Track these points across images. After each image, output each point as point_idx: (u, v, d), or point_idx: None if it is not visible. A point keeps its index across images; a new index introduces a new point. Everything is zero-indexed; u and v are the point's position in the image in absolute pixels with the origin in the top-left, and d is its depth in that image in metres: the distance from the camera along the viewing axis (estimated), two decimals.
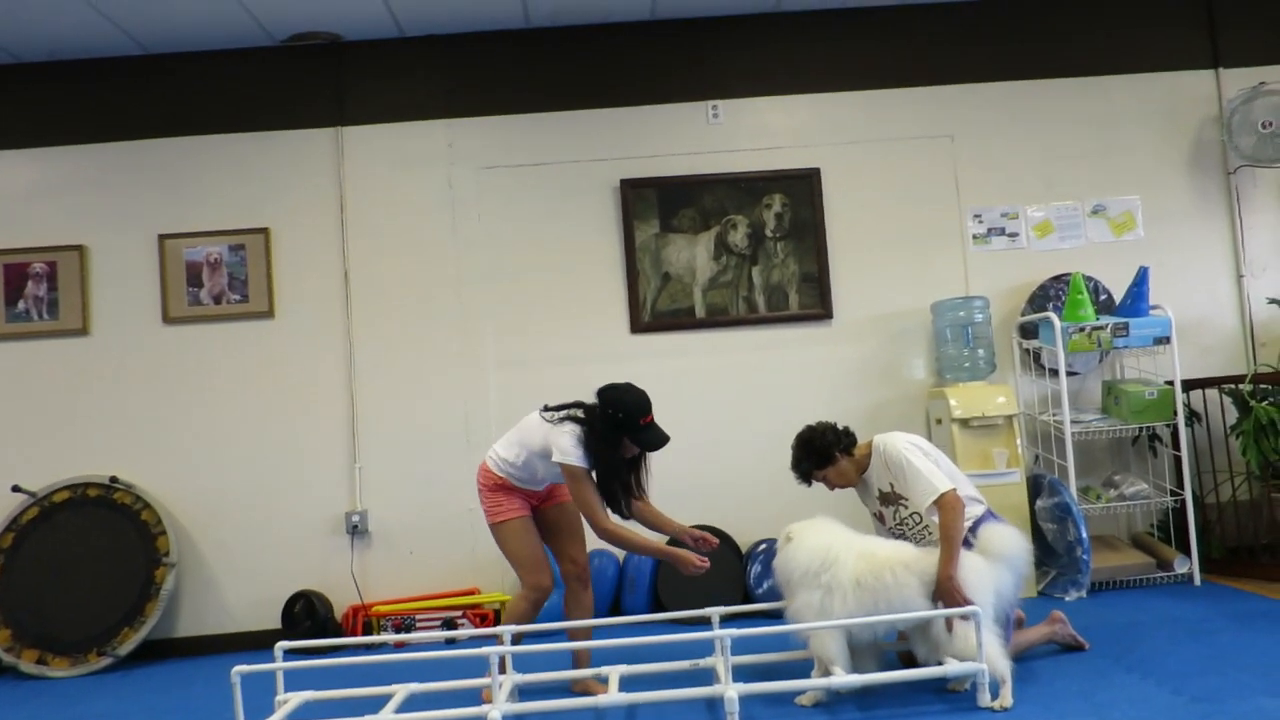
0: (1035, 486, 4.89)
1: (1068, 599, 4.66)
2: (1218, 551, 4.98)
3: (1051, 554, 4.85)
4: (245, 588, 5.04)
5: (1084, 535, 4.59)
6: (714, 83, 5.42)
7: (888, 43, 5.46)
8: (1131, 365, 5.26)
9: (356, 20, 5.15)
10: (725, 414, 5.25)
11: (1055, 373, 4.97)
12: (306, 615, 4.88)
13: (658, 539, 3.77)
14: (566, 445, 3.51)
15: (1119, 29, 5.49)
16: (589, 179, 5.35)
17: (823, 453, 3.65)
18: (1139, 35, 5.50)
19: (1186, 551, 4.83)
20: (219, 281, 5.25)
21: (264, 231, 5.25)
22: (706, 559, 3.62)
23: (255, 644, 4.92)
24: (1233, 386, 4.98)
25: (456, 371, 5.22)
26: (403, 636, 4.79)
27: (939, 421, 5.04)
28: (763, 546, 4.92)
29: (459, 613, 4.85)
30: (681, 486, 5.14)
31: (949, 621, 3.26)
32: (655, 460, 5.16)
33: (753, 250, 5.36)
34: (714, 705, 3.33)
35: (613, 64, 5.42)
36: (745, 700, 3.17)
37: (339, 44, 5.36)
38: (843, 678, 3.22)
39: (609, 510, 3.62)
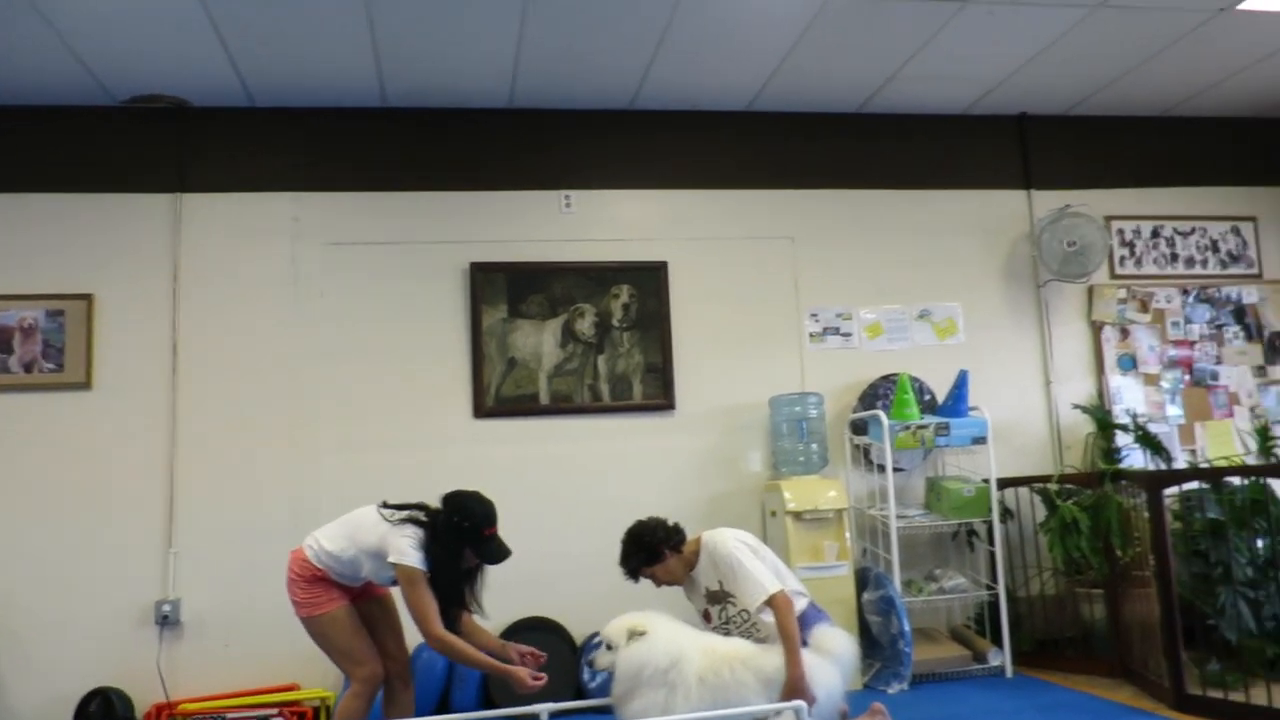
0: (862, 579, 5.06)
1: (890, 691, 4.79)
2: (1027, 644, 5.24)
3: (876, 646, 5.00)
4: (36, 684, 4.62)
5: (906, 628, 4.76)
6: (567, 173, 5.52)
7: (735, 145, 5.70)
8: (952, 463, 5.55)
9: (205, 86, 5.01)
10: (566, 502, 5.22)
11: (883, 468, 5.18)
12: (103, 715, 4.51)
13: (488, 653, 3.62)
14: (406, 547, 3.39)
15: (947, 147, 5.92)
16: (438, 261, 5.32)
17: (651, 549, 3.68)
18: (963, 154, 5.94)
19: (1000, 644, 5.06)
20: (31, 349, 4.92)
21: (87, 298, 4.96)
22: (543, 675, 3.49)
23: None
24: (1041, 486, 5.31)
25: (287, 455, 5.01)
26: None
27: (773, 513, 5.17)
28: (597, 639, 4.87)
29: (274, 710, 4.57)
30: (517, 575, 5.02)
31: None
32: None
33: (599, 339, 5.42)
34: None
35: (468, 148, 5.45)
36: None
37: (185, 109, 5.19)
38: None
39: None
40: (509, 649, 3.60)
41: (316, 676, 4.75)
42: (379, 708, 3.64)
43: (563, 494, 5.23)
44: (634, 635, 3.38)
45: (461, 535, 3.44)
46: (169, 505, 4.85)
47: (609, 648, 3.40)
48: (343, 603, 3.50)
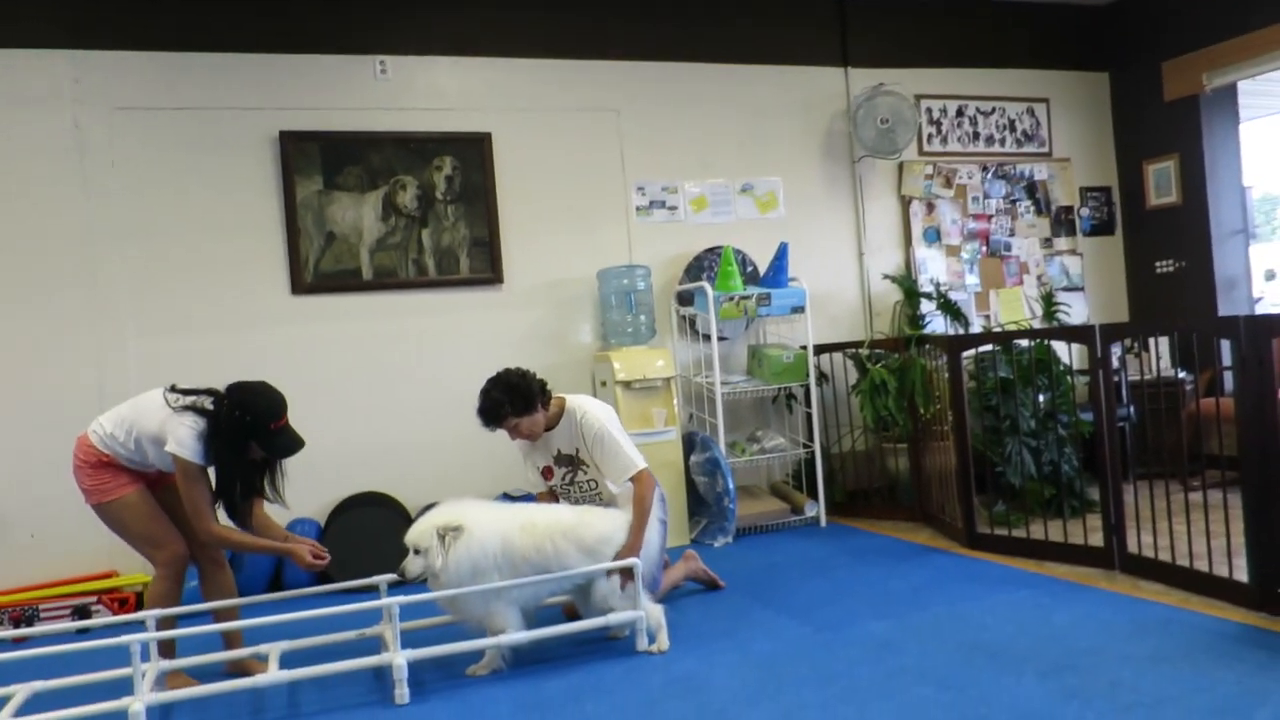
0: (689, 443, 5.27)
1: (716, 545, 5.07)
2: (840, 496, 5.64)
3: (703, 504, 5.25)
4: None
5: (731, 487, 5.02)
6: (382, 38, 5.23)
7: (558, 14, 5.55)
8: (773, 332, 5.79)
9: None
10: (394, 378, 5.14)
11: (708, 338, 5.35)
12: None
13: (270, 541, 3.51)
14: (184, 436, 3.22)
15: (766, 23, 5.96)
16: (243, 129, 4.97)
17: (528, 400, 3.63)
18: (782, 30, 6.00)
19: (815, 497, 5.42)
20: None
21: None
22: (326, 554, 3.43)
23: None
24: (854, 351, 5.64)
25: (88, 338, 4.67)
26: (22, 631, 4.26)
27: (604, 384, 5.27)
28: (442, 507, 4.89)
29: (94, 599, 4.39)
30: (348, 452, 5.00)
31: (623, 578, 3.43)
32: (321, 424, 4.97)
33: (423, 212, 5.27)
34: (383, 674, 3.28)
35: (272, 6, 5.06)
36: (414, 666, 3.16)
37: None
38: (514, 635, 3.30)
39: (219, 512, 3.39)
40: (290, 537, 3.51)
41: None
42: (195, 593, 3.55)
43: (390, 370, 5.14)
44: (448, 532, 3.25)
45: (244, 430, 3.26)
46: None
47: (417, 552, 3.25)
48: (135, 487, 3.33)
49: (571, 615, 3.69)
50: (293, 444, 3.37)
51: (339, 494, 4.95)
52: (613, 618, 3.42)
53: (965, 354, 4.76)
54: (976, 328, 6.19)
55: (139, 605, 4.43)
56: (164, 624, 3.39)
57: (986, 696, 2.78)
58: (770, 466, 5.77)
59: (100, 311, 4.70)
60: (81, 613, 4.37)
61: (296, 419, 4.72)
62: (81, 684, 3.27)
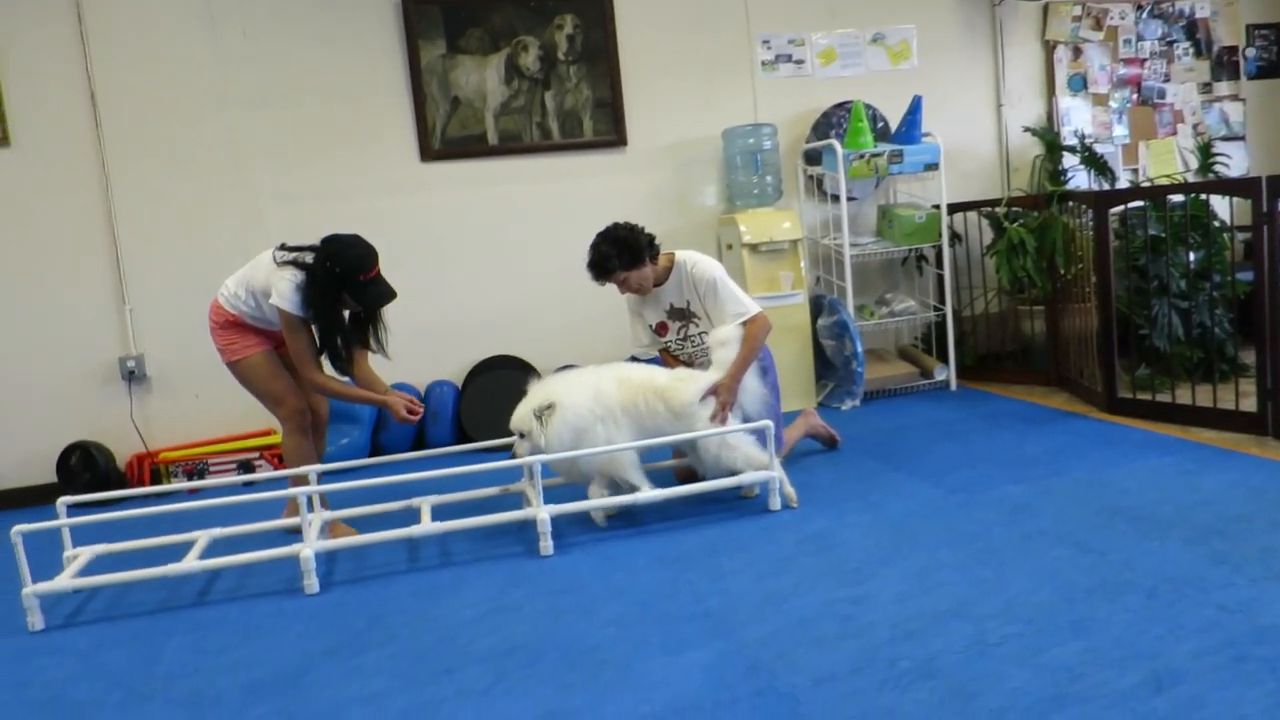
0: (816, 306, 5.21)
1: (843, 408, 5.07)
2: (970, 360, 5.52)
3: (830, 368, 5.23)
4: (10, 442, 4.66)
5: (859, 350, 4.97)
6: None
7: None
8: (904, 190, 5.59)
9: None
10: (519, 243, 5.20)
11: (836, 198, 5.21)
12: (85, 467, 4.60)
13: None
14: (284, 289, 3.36)
15: None
16: None
17: (636, 253, 3.65)
18: None
19: (945, 361, 5.33)
20: None
21: None
22: (420, 407, 3.58)
23: (31, 500, 4.62)
24: (990, 210, 5.41)
25: (230, 205, 4.85)
26: (196, 483, 4.63)
27: (729, 247, 5.22)
28: (572, 370, 5.01)
29: (256, 454, 4.71)
30: (480, 316, 5.14)
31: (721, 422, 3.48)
32: (454, 290, 5.11)
33: (545, 74, 5.20)
34: (524, 528, 3.45)
35: None
36: (555, 521, 3.31)
37: None
38: (649, 493, 3.41)
39: (326, 361, 3.54)
40: (389, 391, 3.63)
41: None
42: (338, 452, 3.76)
43: (515, 235, 5.19)
44: (543, 412, 3.35)
45: (336, 281, 3.36)
46: (115, 261, 4.73)
47: (522, 436, 3.38)
48: (261, 348, 3.53)
49: (683, 478, 3.76)
50: (383, 295, 3.47)
51: (474, 357, 5.11)
52: (745, 477, 3.48)
53: (1112, 211, 4.51)
54: (1123, 183, 5.84)
55: None
56: (322, 477, 3.63)
57: (1129, 560, 2.75)
58: (899, 330, 5.67)
59: (241, 179, 4.86)
60: (245, 467, 4.70)
61: (430, 285, 4.87)
62: (252, 532, 3.56)
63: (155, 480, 4.71)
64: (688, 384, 3.52)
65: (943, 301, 5.36)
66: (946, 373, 5.31)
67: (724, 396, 3.50)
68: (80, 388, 4.72)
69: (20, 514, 4.53)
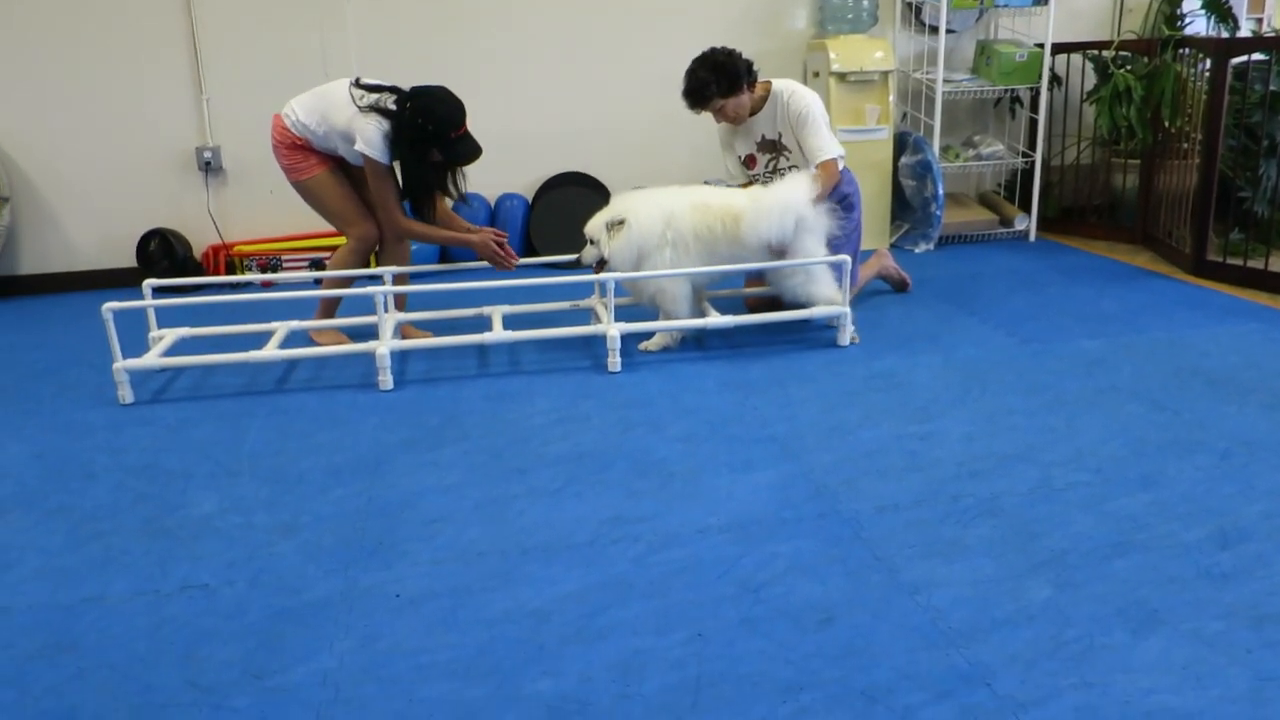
0: (900, 144, 5.03)
1: (917, 251, 4.98)
2: (1053, 210, 5.34)
3: (907, 209, 5.10)
4: (92, 226, 4.76)
5: (940, 192, 4.83)
6: None
7: None
8: (1006, 26, 5.28)
9: None
10: (599, 58, 5.03)
11: (934, 29, 4.94)
12: (163, 254, 4.70)
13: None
14: (372, 137, 3.31)
15: None
16: None
17: (734, 80, 3.52)
18: None
19: (1027, 210, 5.16)
20: None
21: None
22: (505, 238, 3.60)
23: (110, 283, 4.76)
24: (1096, 53, 5.10)
25: (311, 3, 4.72)
26: (270, 276, 4.72)
27: (816, 74, 5.01)
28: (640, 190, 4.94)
29: (326, 254, 4.76)
30: (553, 131, 5.04)
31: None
32: (528, 104, 5.01)
33: None
34: (592, 344, 3.49)
35: None
36: (623, 339, 3.34)
37: None
38: (717, 319, 3.41)
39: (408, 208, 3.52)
40: (475, 231, 3.65)
41: None
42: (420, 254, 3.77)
43: (596, 50, 5.01)
44: (614, 226, 3.31)
45: (426, 137, 3.31)
46: (193, 51, 4.67)
47: (592, 242, 3.36)
48: (326, 167, 3.50)
49: (753, 308, 3.75)
50: (471, 152, 3.43)
51: (545, 172, 5.05)
52: (814, 311, 3.46)
53: (1231, 62, 4.22)
54: (1244, 33, 5.45)
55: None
56: (399, 281, 3.68)
57: (1202, 421, 2.72)
58: (982, 175, 5.48)
59: None
60: (317, 266, 4.76)
61: (504, 94, 4.80)
62: (331, 327, 3.65)
63: (230, 272, 4.81)
64: (767, 201, 3.41)
65: (1032, 148, 5.15)
66: (1027, 222, 5.15)
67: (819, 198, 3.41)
68: (159, 176, 4.76)
69: (103, 295, 4.65)
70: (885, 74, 4.87)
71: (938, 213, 4.87)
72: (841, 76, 4.84)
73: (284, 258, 4.80)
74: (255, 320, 3.61)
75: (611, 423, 2.86)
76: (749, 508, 2.30)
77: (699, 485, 2.43)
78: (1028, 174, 5.18)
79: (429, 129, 3.30)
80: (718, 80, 3.50)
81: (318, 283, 3.87)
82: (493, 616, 1.90)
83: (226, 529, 2.29)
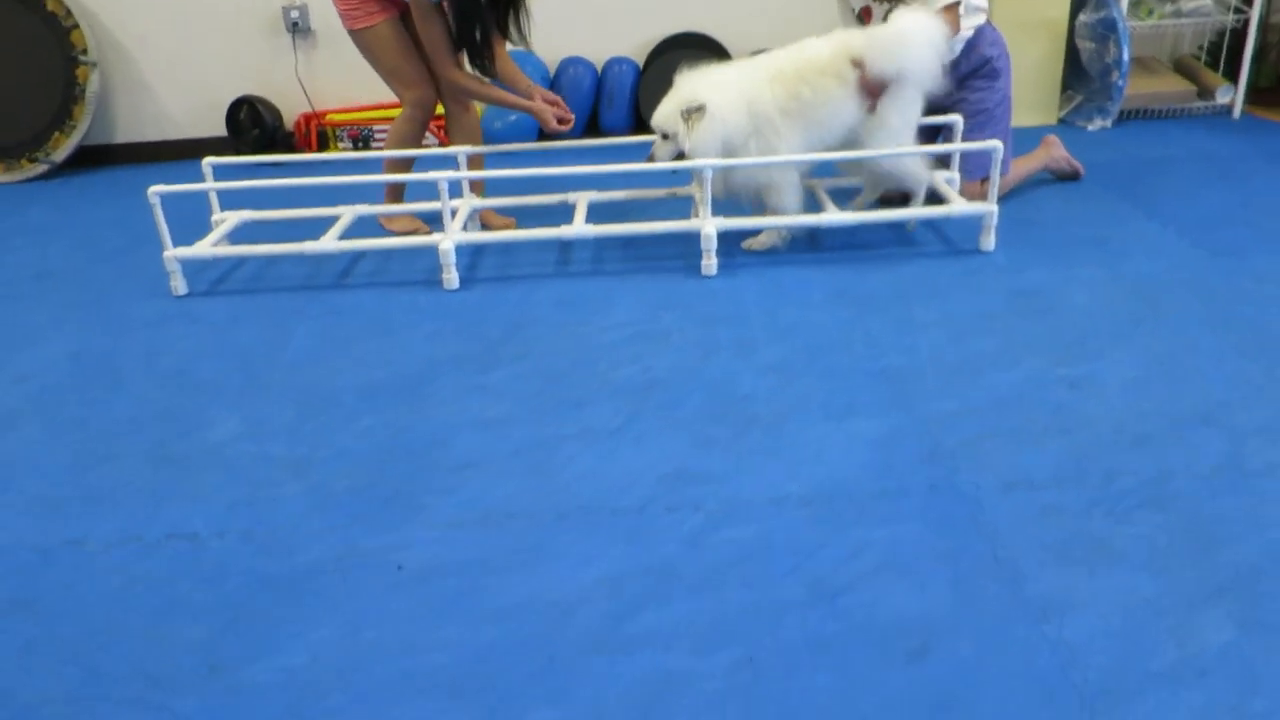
0: None
1: (1090, 128, 4.23)
2: (1267, 80, 4.45)
3: (1081, 76, 4.32)
4: (182, 91, 4.54)
5: (1125, 57, 4.03)
6: None
7: None
8: None
9: None
10: None
11: None
12: (253, 123, 4.44)
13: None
14: None
15: None
16: None
17: None
18: None
19: (1233, 79, 4.29)
20: None
21: None
22: (570, 116, 3.18)
23: (201, 152, 4.52)
24: None
25: None
26: (356, 153, 4.42)
27: None
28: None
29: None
30: None
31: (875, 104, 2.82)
32: None
33: None
34: (687, 239, 3.03)
35: None
36: (723, 238, 2.87)
37: None
38: (834, 215, 2.89)
39: (463, 58, 3.07)
40: (535, 91, 3.18)
41: None
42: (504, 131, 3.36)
43: None
44: (692, 114, 2.73)
45: None
46: None
47: (665, 137, 2.80)
48: (386, 16, 3.04)
49: (880, 200, 3.19)
50: None
51: (658, 34, 4.50)
52: (953, 208, 2.89)
53: None
54: None
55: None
56: (474, 163, 3.29)
57: None
58: (1179, 35, 4.59)
59: None
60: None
61: None
62: (399, 212, 3.31)
63: (322, 142, 4.53)
64: (871, 42, 2.77)
65: (1247, 2, 4.23)
66: (1232, 94, 4.29)
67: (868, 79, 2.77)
68: (246, 40, 4.45)
69: (193, 166, 4.49)
70: None
71: (1120, 82, 4.08)
72: None
73: (376, 129, 4.47)
74: (331, 201, 3.29)
75: (694, 342, 2.43)
76: (841, 471, 1.86)
77: (783, 435, 2.00)
78: (1238, 34, 4.28)
79: None
80: None
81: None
82: (505, 606, 1.56)
83: (237, 460, 2.02)
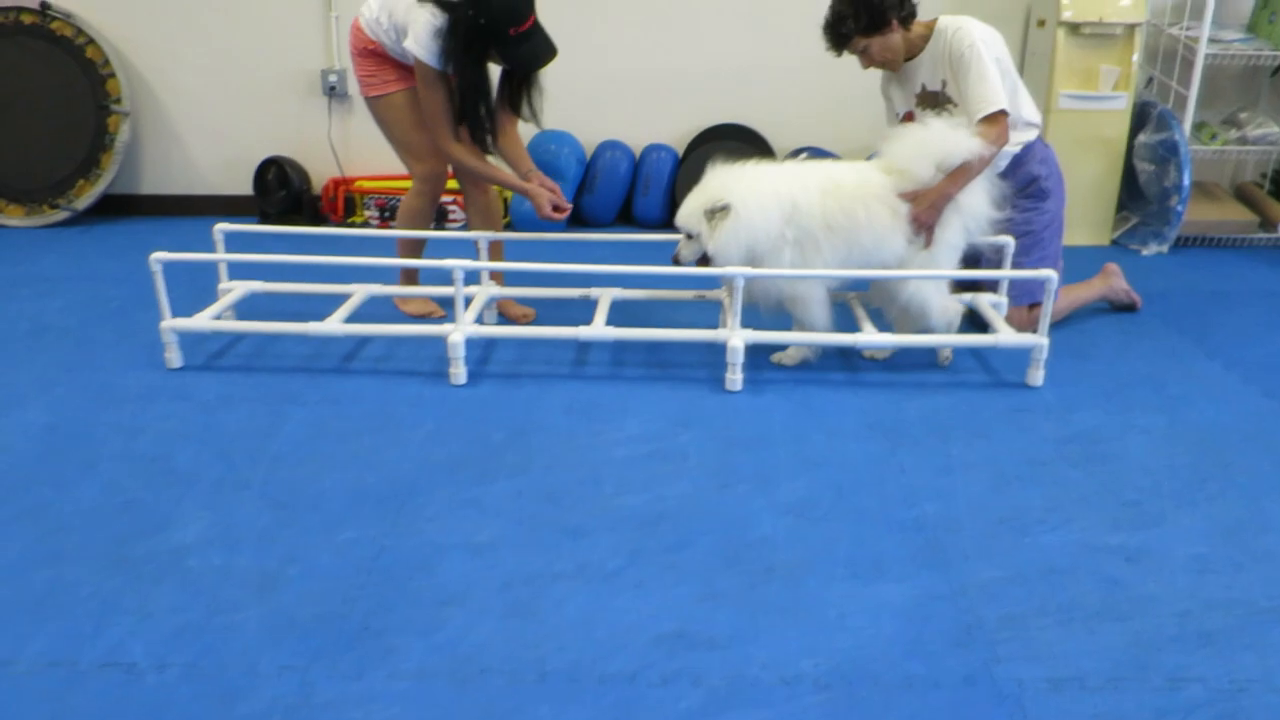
0: (1141, 117, 4.05)
1: (1145, 252, 4.03)
2: None
3: (1138, 198, 4.14)
4: (212, 146, 4.46)
5: (1186, 182, 3.85)
6: None
7: None
8: None
9: None
10: (772, 3, 4.28)
11: None
12: (280, 184, 4.35)
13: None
14: (421, 34, 2.70)
15: None
16: None
17: (877, 13, 2.74)
18: None
19: None
20: None
21: None
22: (567, 206, 2.97)
23: (227, 209, 4.45)
24: None
25: None
26: (370, 231, 4.31)
27: (1041, 23, 4.08)
28: (803, 154, 4.21)
29: (450, 199, 4.28)
30: (711, 75, 4.34)
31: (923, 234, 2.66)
32: (672, 38, 4.29)
33: None
34: (713, 348, 2.85)
35: None
36: (751, 349, 2.69)
37: None
38: (873, 336, 2.70)
39: (464, 129, 2.88)
40: (534, 175, 2.98)
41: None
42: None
43: None
44: (716, 213, 2.56)
45: (481, 34, 2.66)
46: None
47: (690, 237, 2.63)
48: (403, 86, 2.92)
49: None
50: (538, 54, 2.76)
51: (699, 123, 4.38)
52: (1000, 338, 2.70)
53: None
54: None
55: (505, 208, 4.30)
56: (494, 249, 3.14)
57: None
58: (1241, 163, 4.41)
59: None
60: (439, 214, 4.29)
61: (652, 30, 4.14)
62: (417, 295, 3.16)
63: (349, 208, 4.42)
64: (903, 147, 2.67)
65: None
66: None
67: (920, 214, 2.62)
68: (282, 97, 4.38)
69: (213, 220, 4.38)
70: (1131, 27, 3.90)
71: (1179, 208, 3.89)
72: (1074, 28, 3.90)
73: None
74: (344, 278, 3.14)
75: (711, 467, 2.24)
76: (865, 647, 1.64)
77: (802, 592, 1.79)
78: None
79: (481, 22, 2.66)
80: (856, 13, 2.74)
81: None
82: None
83: (198, 571, 1.83)
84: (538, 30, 2.74)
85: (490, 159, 3.00)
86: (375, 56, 2.90)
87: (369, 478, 2.18)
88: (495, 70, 2.90)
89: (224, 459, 2.26)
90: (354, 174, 4.43)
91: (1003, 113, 2.69)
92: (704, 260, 2.66)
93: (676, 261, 2.69)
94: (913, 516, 2.04)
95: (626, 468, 2.23)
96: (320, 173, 4.44)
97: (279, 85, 4.36)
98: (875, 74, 3.08)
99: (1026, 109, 2.89)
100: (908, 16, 2.80)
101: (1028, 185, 2.94)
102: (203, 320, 2.78)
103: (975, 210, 2.69)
